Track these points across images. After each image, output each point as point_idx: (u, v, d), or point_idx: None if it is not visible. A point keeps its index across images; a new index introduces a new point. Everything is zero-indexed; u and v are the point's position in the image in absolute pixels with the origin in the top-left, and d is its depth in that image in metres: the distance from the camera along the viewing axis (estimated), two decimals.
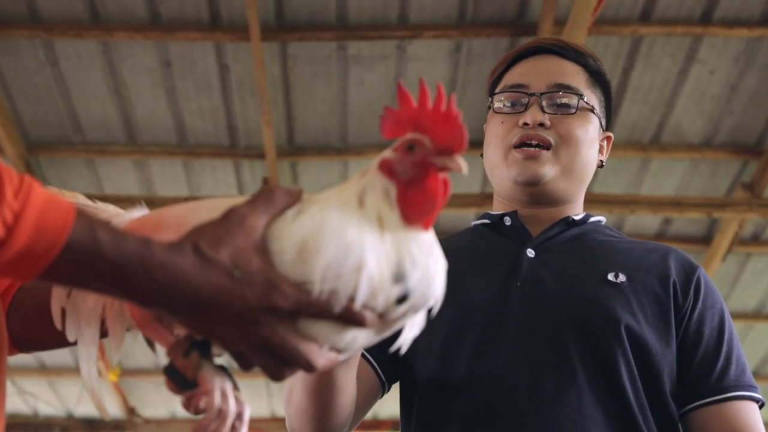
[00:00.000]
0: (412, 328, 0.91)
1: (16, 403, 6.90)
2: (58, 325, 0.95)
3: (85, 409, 6.94)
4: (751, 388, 1.35)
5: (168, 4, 4.13)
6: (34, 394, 6.77)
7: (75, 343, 0.97)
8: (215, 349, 0.86)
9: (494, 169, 1.50)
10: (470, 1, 4.16)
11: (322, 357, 0.84)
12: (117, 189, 5.03)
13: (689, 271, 1.40)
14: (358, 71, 4.41)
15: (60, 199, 0.74)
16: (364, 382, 1.38)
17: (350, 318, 0.82)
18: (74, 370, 6.31)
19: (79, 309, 0.94)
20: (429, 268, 0.86)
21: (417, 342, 1.37)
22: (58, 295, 0.95)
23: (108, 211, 0.99)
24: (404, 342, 0.92)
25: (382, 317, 0.85)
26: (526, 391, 1.29)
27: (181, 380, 0.84)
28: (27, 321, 1.05)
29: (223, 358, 0.88)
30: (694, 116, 4.66)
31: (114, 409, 6.84)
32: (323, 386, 1.25)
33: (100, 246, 0.74)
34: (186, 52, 4.31)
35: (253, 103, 4.51)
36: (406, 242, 0.85)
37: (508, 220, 1.48)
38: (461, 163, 0.86)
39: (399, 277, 0.84)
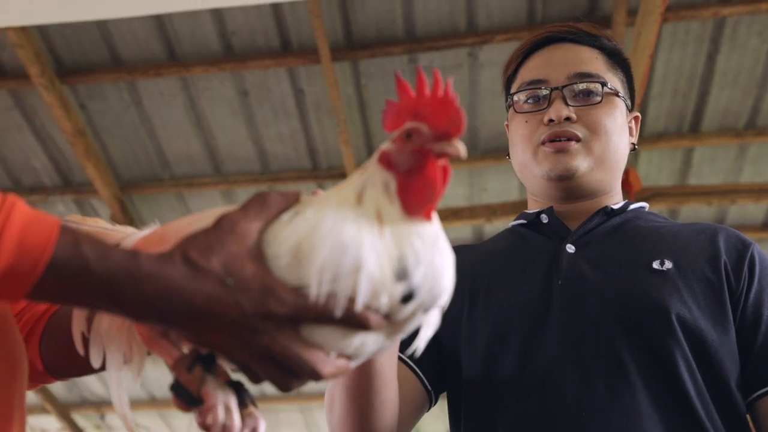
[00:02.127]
0: (428, 327, 0.86)
1: None
2: (80, 350, 0.94)
3: None
4: None
5: (239, 35, 4.21)
6: (147, 428, 6.93)
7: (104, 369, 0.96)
8: (224, 364, 0.84)
9: (524, 169, 1.44)
10: (539, 1, 4.08)
11: (329, 364, 0.80)
12: None
13: (741, 250, 1.30)
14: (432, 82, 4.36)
15: (44, 216, 0.74)
16: (410, 393, 1.33)
17: (353, 321, 0.78)
18: None
19: (99, 333, 0.94)
20: (434, 263, 0.81)
21: (460, 348, 1.35)
22: (78, 321, 0.95)
23: (125, 232, 0.98)
24: (421, 342, 0.87)
25: (389, 318, 0.80)
26: (575, 394, 1.21)
27: (186, 396, 0.81)
28: (60, 348, 1.06)
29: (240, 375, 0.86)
30: None
31: None
32: (364, 382, 1.21)
33: (86, 260, 0.73)
34: (261, 80, 4.38)
35: (331, 123, 4.54)
36: (408, 236, 0.81)
37: (545, 218, 1.42)
38: (460, 147, 0.81)
39: (402, 274, 0.79)
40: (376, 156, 0.86)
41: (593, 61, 1.43)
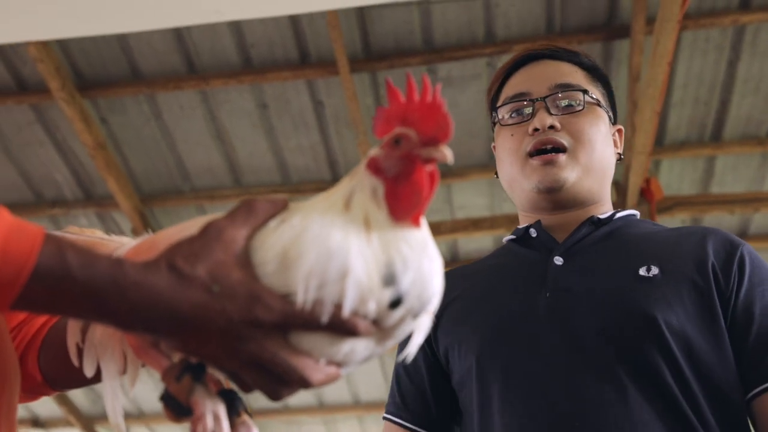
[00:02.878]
0: (419, 333, 0.85)
1: None
2: (74, 361, 0.94)
3: None
4: None
5: (258, 48, 4.24)
6: None
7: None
8: (214, 373, 0.83)
9: (513, 183, 1.45)
10: (557, 10, 4.07)
11: (318, 372, 0.79)
12: None
13: (730, 251, 1.28)
14: (451, 93, 4.37)
15: (27, 224, 0.74)
16: None
17: (341, 327, 0.77)
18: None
19: (93, 344, 0.94)
20: (422, 268, 0.80)
21: (453, 367, 1.35)
22: (72, 332, 0.95)
23: (119, 241, 0.98)
24: (411, 349, 0.86)
25: (378, 324, 0.80)
26: (566, 405, 1.21)
27: (175, 406, 0.81)
28: (58, 359, 1.06)
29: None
30: None
31: None
32: None
33: (70, 269, 0.72)
34: (280, 92, 4.40)
35: (350, 135, 4.55)
36: (395, 242, 0.80)
37: (533, 232, 1.43)
38: (447, 152, 0.81)
39: (389, 279, 0.78)
40: (364, 162, 0.85)
41: (573, 74, 1.46)
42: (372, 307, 0.78)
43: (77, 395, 6.28)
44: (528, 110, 1.43)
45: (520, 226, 1.48)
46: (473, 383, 1.32)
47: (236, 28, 4.15)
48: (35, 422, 6.61)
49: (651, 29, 3.89)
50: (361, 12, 4.04)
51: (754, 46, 4.15)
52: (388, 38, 4.18)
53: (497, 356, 1.29)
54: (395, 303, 0.79)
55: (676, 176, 4.81)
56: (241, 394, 0.86)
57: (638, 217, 1.47)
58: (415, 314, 0.81)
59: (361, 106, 4.36)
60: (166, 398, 0.81)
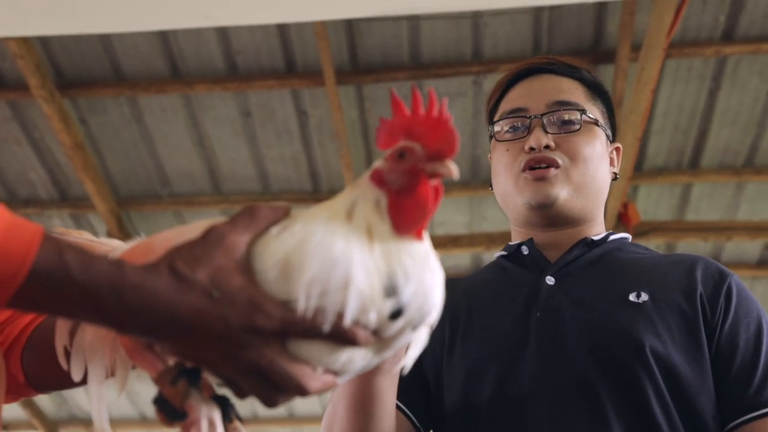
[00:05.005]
0: (416, 345, 0.85)
1: None
2: (62, 363, 0.93)
3: None
4: None
5: (244, 55, 4.23)
6: None
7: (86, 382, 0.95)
8: (209, 378, 0.83)
9: (506, 198, 1.45)
10: (544, 33, 4.10)
11: (315, 380, 0.79)
12: None
13: (718, 281, 1.29)
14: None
15: (26, 223, 0.72)
16: (400, 431, 1.32)
17: (341, 336, 0.77)
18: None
19: (82, 347, 0.92)
20: (424, 281, 0.80)
21: (443, 382, 1.34)
22: (61, 334, 0.93)
23: (110, 244, 0.97)
24: (408, 361, 0.86)
25: (378, 335, 0.79)
26: (550, 427, 1.21)
27: (169, 410, 0.80)
28: (42, 362, 1.04)
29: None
30: None
31: None
32: (368, 403, 1.19)
33: (69, 269, 0.71)
34: (264, 101, 4.39)
35: (333, 147, 4.55)
36: (398, 254, 0.80)
37: (525, 249, 1.43)
38: (452, 167, 0.81)
39: (391, 290, 0.78)
40: (368, 173, 0.85)
41: (573, 90, 1.44)
42: (373, 318, 0.78)
43: (42, 398, 6.20)
44: (525, 126, 1.42)
45: (512, 243, 1.48)
46: (460, 398, 1.31)
47: (223, 33, 4.13)
48: None
49: (636, 56, 3.95)
50: (350, 24, 4.04)
51: (735, 77, 4.21)
52: (376, 52, 4.19)
53: (485, 375, 1.29)
54: (396, 314, 0.79)
55: (653, 202, 4.86)
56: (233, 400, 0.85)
57: (630, 240, 1.47)
58: (415, 326, 0.82)
59: (346, 118, 4.37)
60: (160, 402, 0.80)
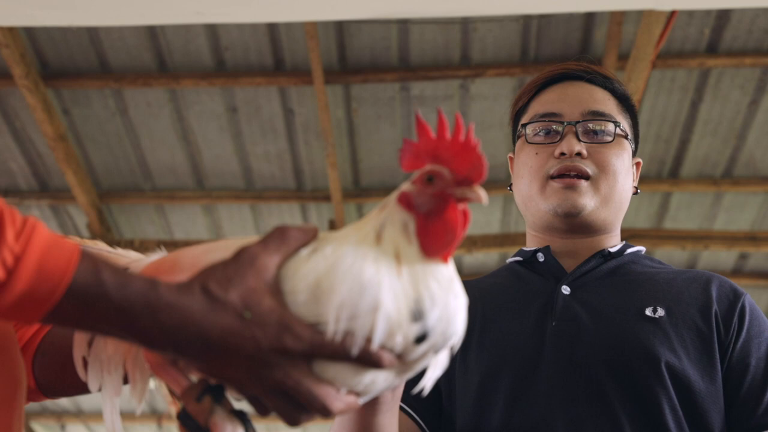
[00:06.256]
0: (435, 368, 0.86)
1: None
2: (81, 374, 0.93)
3: None
4: None
5: (233, 51, 4.22)
6: None
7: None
8: (230, 394, 0.84)
9: (529, 202, 1.44)
10: (532, 39, 4.13)
11: (339, 401, 0.80)
12: (187, 234, 5.11)
13: (732, 300, 1.31)
14: (422, 112, 4.38)
15: (64, 240, 0.73)
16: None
17: (367, 359, 0.78)
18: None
19: (101, 358, 0.93)
20: (449, 306, 0.82)
21: (455, 387, 1.34)
22: (79, 344, 0.94)
23: (129, 256, 0.97)
24: (427, 383, 0.87)
25: (402, 358, 0.81)
26: None
27: (193, 426, 0.81)
28: (53, 368, 1.05)
29: (243, 403, 0.86)
30: (767, 148, 4.52)
31: None
32: None
33: (105, 287, 0.72)
34: (251, 98, 4.38)
35: (319, 146, 4.55)
36: (424, 278, 0.81)
37: (541, 257, 1.42)
38: (481, 193, 0.82)
39: (417, 315, 0.80)
40: (395, 195, 0.86)
41: (606, 101, 1.44)
42: (399, 341, 0.79)
43: None
44: (558, 131, 1.41)
45: (526, 248, 1.47)
46: (474, 405, 1.31)
47: (211, 29, 4.12)
48: None
49: (622, 65, 3.99)
50: (339, 24, 4.04)
51: (717, 89, 4.27)
52: (365, 53, 4.20)
53: (500, 383, 1.29)
54: (420, 338, 0.80)
55: (633, 209, 4.91)
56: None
57: (644, 252, 1.47)
58: (437, 350, 0.83)
59: (332, 117, 4.37)
60: (184, 417, 0.82)
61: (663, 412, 1.22)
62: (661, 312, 1.28)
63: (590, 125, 1.40)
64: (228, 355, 0.76)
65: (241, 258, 0.79)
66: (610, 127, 1.41)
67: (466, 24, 4.03)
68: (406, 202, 0.85)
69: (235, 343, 0.75)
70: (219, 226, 5.09)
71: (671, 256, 5.11)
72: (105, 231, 4.85)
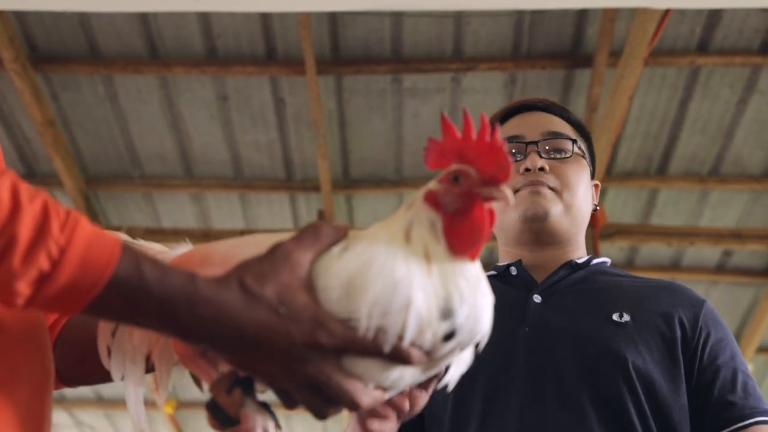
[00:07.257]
0: (459, 365, 0.89)
1: None
2: (105, 363, 0.94)
3: None
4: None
5: (224, 39, 4.20)
6: (91, 426, 6.83)
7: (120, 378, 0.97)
8: (258, 386, 0.85)
9: (500, 215, 1.52)
10: (525, 34, 4.15)
11: (367, 395, 0.82)
12: (174, 222, 5.10)
13: (696, 306, 1.41)
14: (413, 104, 4.42)
15: (106, 234, 0.75)
16: None
17: (397, 356, 0.80)
18: None
19: (125, 348, 0.94)
20: (477, 304, 0.84)
21: (434, 397, 1.39)
22: (104, 334, 0.95)
23: (153, 249, 0.98)
24: (452, 379, 0.89)
25: (429, 354, 0.82)
26: None
27: (223, 417, 0.83)
28: (73, 356, 1.06)
29: (266, 395, 0.87)
30: (754, 147, 4.57)
31: None
32: None
33: (146, 281, 0.74)
34: (242, 86, 4.37)
35: (309, 136, 4.55)
36: (453, 276, 0.83)
37: (513, 270, 1.52)
38: (507, 192, 0.84)
39: (447, 313, 0.81)
40: (421, 194, 0.88)
41: (563, 125, 1.59)
42: (428, 339, 0.81)
43: None
44: (521, 151, 1.53)
45: (500, 264, 1.57)
46: (450, 413, 1.38)
47: (204, 17, 4.10)
48: None
49: (613, 62, 4.02)
50: (333, 15, 4.04)
51: (707, 87, 4.31)
52: (358, 44, 4.20)
53: (475, 388, 1.36)
54: (449, 336, 0.82)
55: (620, 205, 4.95)
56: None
57: (609, 263, 1.58)
58: (463, 347, 0.85)
59: (324, 108, 4.37)
60: (213, 408, 0.83)
61: (628, 409, 1.31)
62: (626, 317, 1.38)
63: (550, 144, 1.55)
64: (262, 350, 0.77)
65: (276, 254, 0.80)
66: (568, 144, 1.55)
67: (459, 17, 4.05)
68: (433, 200, 0.86)
69: (270, 338, 0.77)
70: (207, 215, 5.08)
71: (657, 252, 5.17)
72: (92, 218, 4.81)
